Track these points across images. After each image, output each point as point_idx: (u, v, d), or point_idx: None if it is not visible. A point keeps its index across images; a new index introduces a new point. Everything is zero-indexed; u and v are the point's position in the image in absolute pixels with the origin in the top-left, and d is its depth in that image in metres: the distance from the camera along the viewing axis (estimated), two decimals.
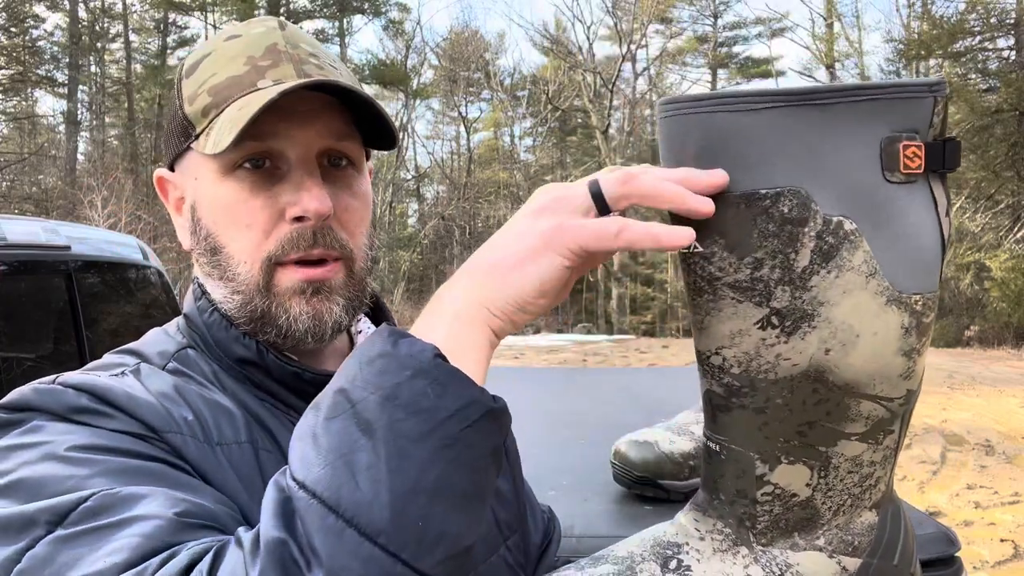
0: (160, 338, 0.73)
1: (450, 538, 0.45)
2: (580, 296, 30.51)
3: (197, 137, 0.67)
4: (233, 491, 0.59)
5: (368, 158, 0.76)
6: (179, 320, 0.75)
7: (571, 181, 0.55)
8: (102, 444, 0.55)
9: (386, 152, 0.76)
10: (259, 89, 0.65)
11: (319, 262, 0.67)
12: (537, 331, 24.94)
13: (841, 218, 0.49)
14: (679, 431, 1.25)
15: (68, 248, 2.86)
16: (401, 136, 33.35)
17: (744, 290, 0.51)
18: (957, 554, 1.35)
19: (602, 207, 0.52)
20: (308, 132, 0.66)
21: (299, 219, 0.65)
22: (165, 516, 0.49)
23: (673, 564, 0.54)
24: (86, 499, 0.50)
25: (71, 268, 2.88)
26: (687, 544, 0.55)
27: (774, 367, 0.51)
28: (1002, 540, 4.48)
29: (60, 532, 0.49)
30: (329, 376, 0.69)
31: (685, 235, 0.49)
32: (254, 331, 0.68)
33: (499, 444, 0.49)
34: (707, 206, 0.49)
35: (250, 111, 0.60)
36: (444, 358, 0.47)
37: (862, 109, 0.49)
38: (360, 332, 0.78)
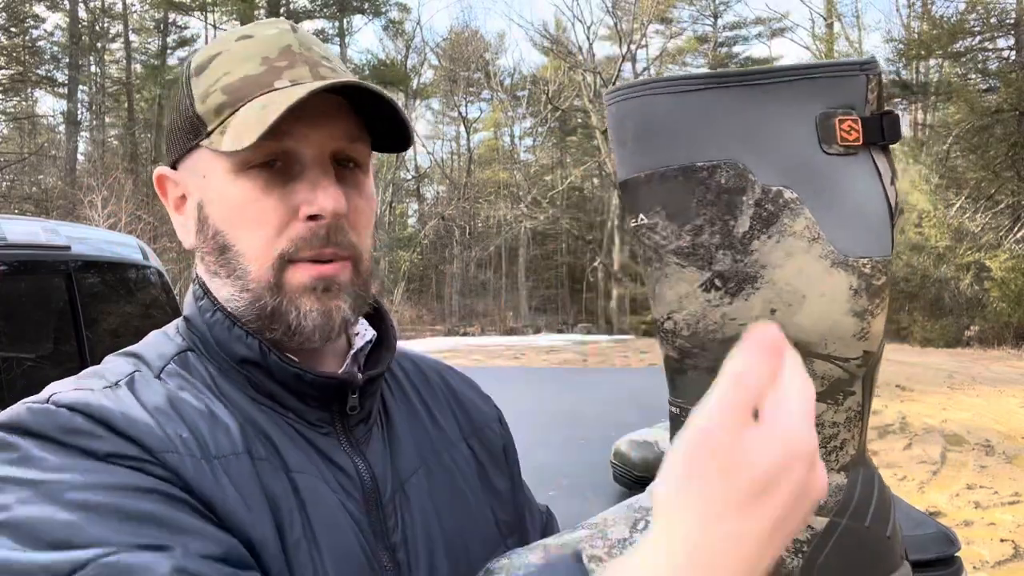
0: (160, 340, 0.72)
1: None
2: (580, 296, 30.53)
3: (209, 135, 0.67)
4: (233, 506, 0.59)
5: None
6: (179, 322, 0.74)
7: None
8: (99, 482, 0.54)
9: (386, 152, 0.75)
10: (277, 89, 0.65)
11: (329, 260, 0.67)
12: (537, 331, 24.93)
13: (781, 188, 0.52)
14: None
15: (68, 248, 2.86)
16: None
17: (687, 255, 0.54)
18: (957, 554, 1.35)
19: None
20: (322, 133, 0.66)
21: (313, 217, 0.65)
22: None
23: (641, 525, 0.56)
24: (83, 564, 0.50)
25: (71, 268, 2.88)
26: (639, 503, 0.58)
27: (721, 327, 0.54)
28: (1002, 540, 4.48)
29: None
30: (330, 378, 0.69)
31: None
32: (261, 329, 0.67)
33: None
34: None
35: (277, 109, 0.61)
36: None
37: (796, 88, 0.52)
38: (357, 334, 0.77)
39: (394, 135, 0.71)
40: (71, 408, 0.58)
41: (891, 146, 0.55)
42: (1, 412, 0.59)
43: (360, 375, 0.71)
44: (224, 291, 0.68)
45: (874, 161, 0.54)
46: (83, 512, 0.52)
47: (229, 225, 0.67)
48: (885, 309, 0.55)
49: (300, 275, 0.66)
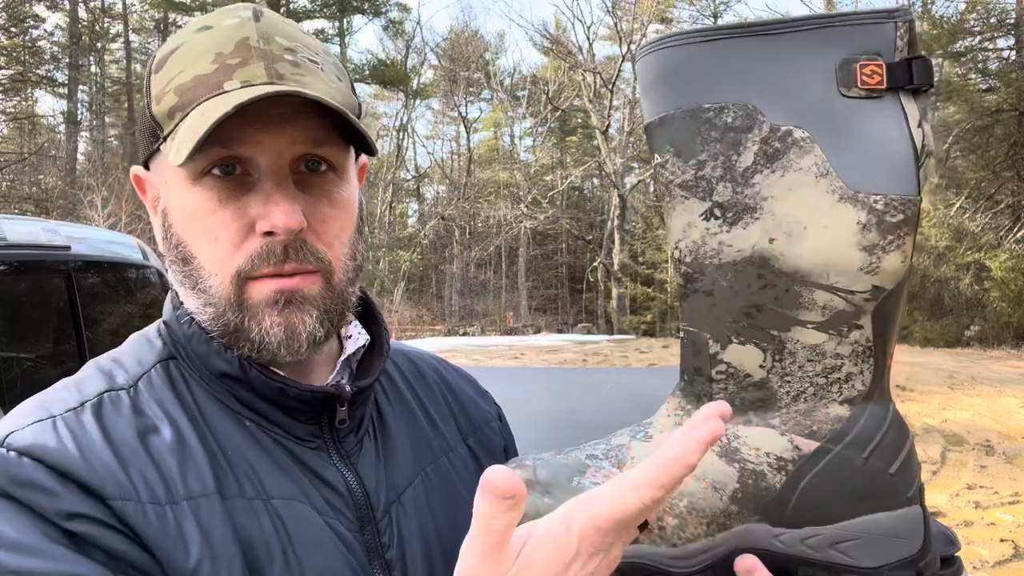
0: (141, 345, 0.69)
1: None
2: (580, 296, 30.52)
3: (164, 139, 0.63)
4: (199, 557, 0.56)
5: (359, 157, 0.72)
6: (160, 325, 0.71)
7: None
8: (33, 568, 0.52)
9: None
10: (224, 92, 0.60)
11: (291, 275, 0.63)
12: (537, 331, 24.91)
13: (791, 127, 0.55)
14: None
15: (68, 248, 2.86)
16: (400, 136, 33.25)
17: (689, 188, 0.58)
18: (957, 554, 1.35)
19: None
20: (279, 138, 0.60)
21: (269, 233, 0.60)
22: None
23: (640, 435, 0.61)
24: None
25: (71, 268, 2.88)
26: (655, 422, 0.61)
27: (718, 253, 0.57)
28: (1002, 540, 4.48)
29: None
30: (315, 392, 0.65)
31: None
32: (229, 344, 0.64)
33: None
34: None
35: (208, 120, 0.56)
36: None
37: (817, 36, 0.55)
38: (350, 336, 0.74)
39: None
40: (27, 454, 0.55)
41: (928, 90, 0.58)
42: None
43: (348, 387, 0.68)
44: (191, 303, 0.65)
45: (902, 105, 0.56)
46: None
47: (188, 236, 0.63)
48: (905, 247, 0.57)
49: (261, 289, 0.62)
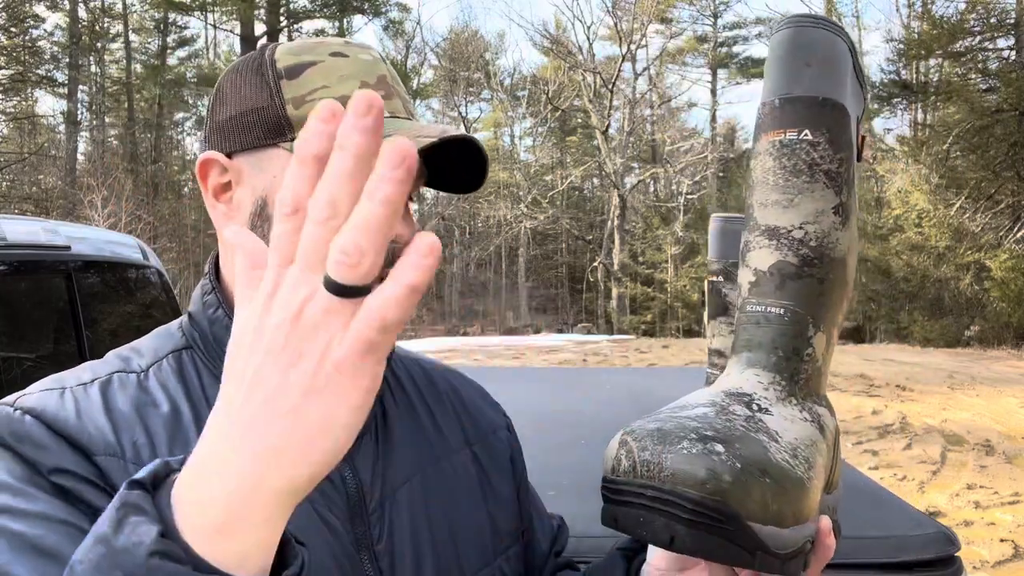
0: (160, 337, 0.74)
1: None
2: (580, 296, 30.51)
3: (294, 140, 0.67)
4: None
5: None
6: (184, 318, 0.75)
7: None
8: (23, 509, 0.56)
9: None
10: None
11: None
12: (537, 331, 24.92)
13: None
14: None
15: (68, 248, 2.86)
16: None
17: (833, 179, 0.62)
18: (957, 554, 1.35)
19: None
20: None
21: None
22: None
23: (755, 407, 0.61)
24: None
25: (71, 268, 2.88)
26: (755, 394, 0.63)
27: (835, 247, 0.62)
28: (1002, 540, 4.48)
29: None
30: None
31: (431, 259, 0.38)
32: None
33: None
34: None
35: (419, 143, 0.63)
36: (167, 553, 0.37)
37: None
38: None
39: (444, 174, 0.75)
40: (30, 412, 0.62)
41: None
42: None
43: None
44: None
45: None
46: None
47: None
48: None
49: None
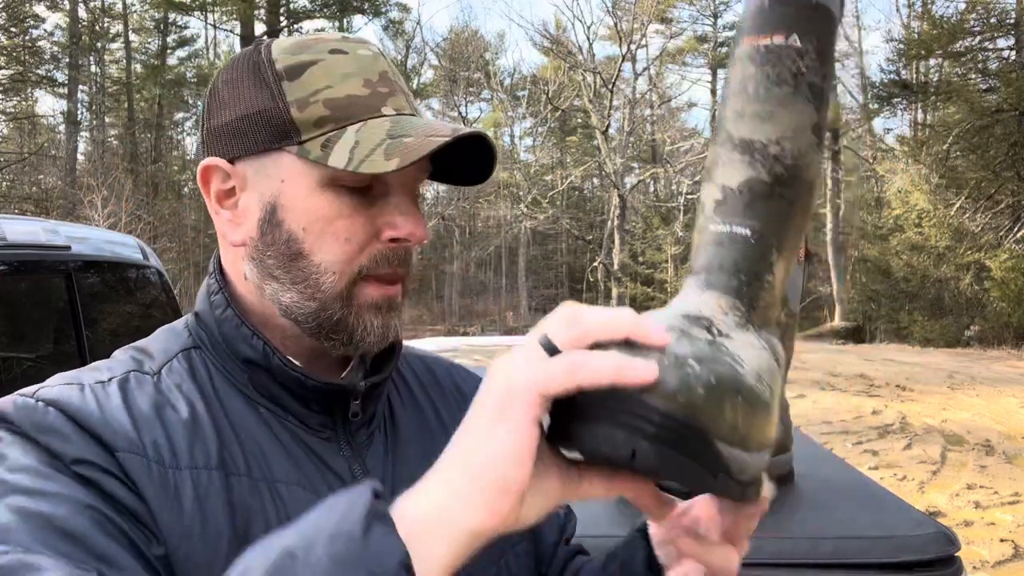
0: (168, 336, 0.73)
1: None
2: (580, 296, 30.49)
3: (302, 143, 0.66)
4: (189, 521, 0.60)
5: None
6: (189, 317, 0.74)
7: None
8: (45, 490, 0.56)
9: None
10: (384, 115, 0.67)
11: (393, 281, 0.70)
12: None
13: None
14: None
15: (68, 248, 2.86)
16: None
17: (817, 94, 0.57)
18: (957, 554, 1.35)
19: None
20: (421, 164, 0.67)
21: (395, 240, 0.68)
22: None
23: (714, 331, 0.57)
24: None
25: (71, 268, 2.88)
26: (714, 317, 0.58)
27: (807, 169, 0.58)
28: (1002, 540, 4.48)
29: None
30: (331, 385, 0.70)
31: (648, 371, 0.46)
32: (319, 335, 0.69)
33: None
34: (658, 340, 0.50)
35: (432, 143, 0.63)
36: (411, 569, 0.43)
37: None
38: None
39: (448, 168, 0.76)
40: (53, 404, 0.61)
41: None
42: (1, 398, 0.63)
43: (363, 382, 0.72)
44: (286, 296, 0.68)
45: None
46: (20, 518, 0.54)
47: (309, 235, 0.67)
48: None
49: (370, 292, 0.69)
